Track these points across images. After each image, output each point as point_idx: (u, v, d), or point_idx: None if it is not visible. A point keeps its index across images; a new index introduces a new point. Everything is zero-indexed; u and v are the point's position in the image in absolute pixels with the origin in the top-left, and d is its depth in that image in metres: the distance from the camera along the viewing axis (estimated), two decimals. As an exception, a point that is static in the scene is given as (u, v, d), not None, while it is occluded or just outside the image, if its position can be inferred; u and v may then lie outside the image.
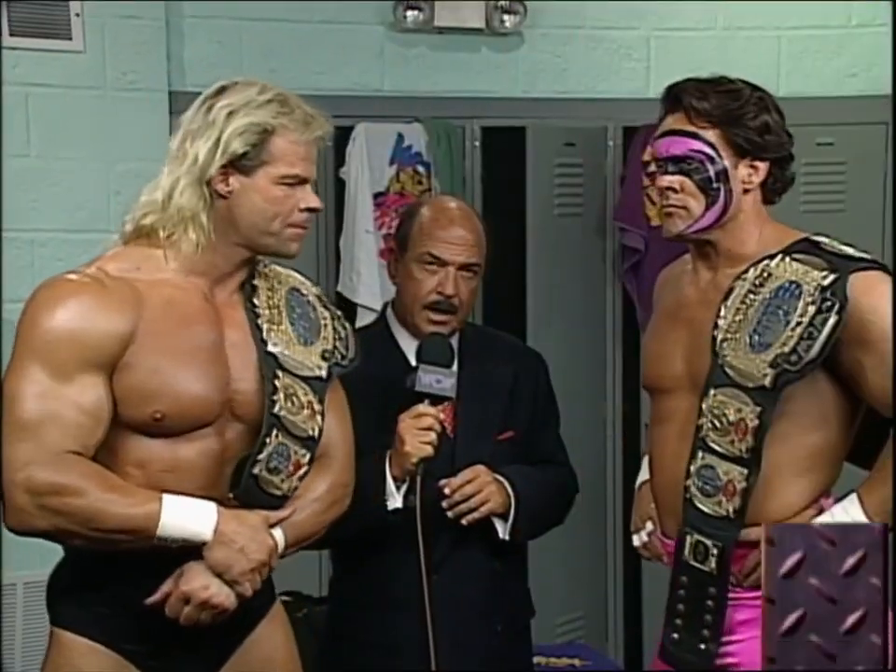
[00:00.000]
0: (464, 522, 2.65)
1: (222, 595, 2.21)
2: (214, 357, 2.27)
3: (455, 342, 2.74)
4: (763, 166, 2.34)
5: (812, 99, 4.68)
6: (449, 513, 2.64)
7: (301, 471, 2.32)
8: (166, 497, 2.18)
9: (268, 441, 2.27)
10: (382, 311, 2.88)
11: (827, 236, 2.33)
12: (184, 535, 2.17)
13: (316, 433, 2.33)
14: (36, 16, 4.07)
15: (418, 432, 2.55)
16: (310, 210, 2.29)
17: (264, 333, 2.31)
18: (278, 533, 2.27)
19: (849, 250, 2.28)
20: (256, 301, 2.34)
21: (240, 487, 2.27)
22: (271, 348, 2.31)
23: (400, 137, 4.49)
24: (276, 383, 2.29)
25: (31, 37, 4.06)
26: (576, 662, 3.99)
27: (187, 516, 2.18)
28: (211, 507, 2.20)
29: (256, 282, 2.36)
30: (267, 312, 2.34)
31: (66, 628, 2.28)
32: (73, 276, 2.22)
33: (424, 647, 2.56)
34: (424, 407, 2.57)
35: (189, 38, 4.34)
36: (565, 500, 2.88)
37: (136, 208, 2.29)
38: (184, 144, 2.27)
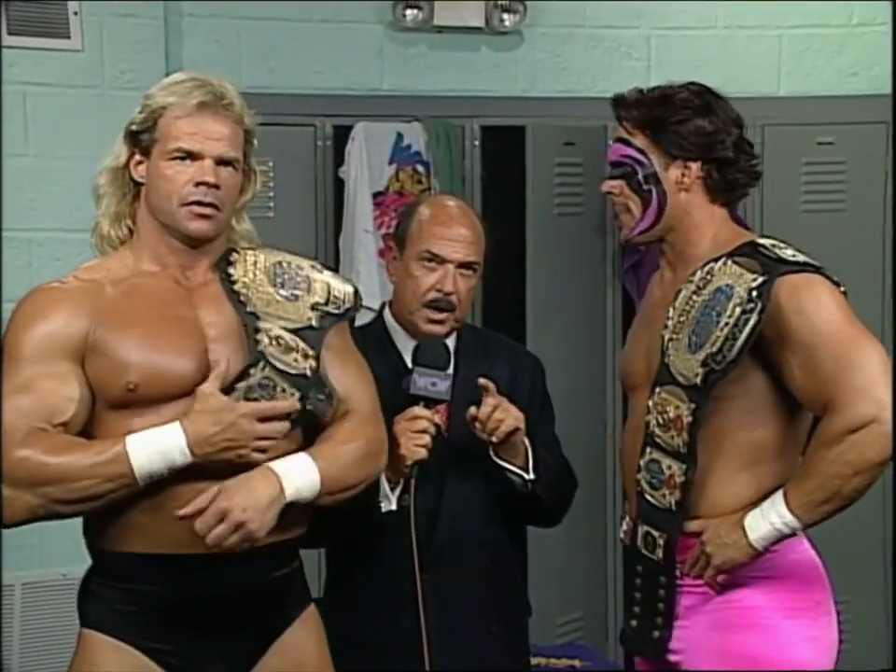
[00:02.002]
0: (494, 438, 2.61)
1: (256, 522, 2.17)
2: (185, 328, 2.28)
3: (452, 343, 2.73)
4: (695, 167, 2.45)
5: (813, 98, 4.69)
6: (483, 435, 2.61)
7: None
8: (129, 435, 2.18)
9: (252, 371, 2.25)
10: (379, 311, 2.86)
11: (773, 238, 2.42)
12: (159, 454, 2.16)
13: (309, 373, 2.29)
14: (35, 15, 4.06)
15: (413, 435, 2.54)
16: (201, 184, 2.27)
17: (241, 296, 2.31)
18: (308, 461, 2.24)
19: (787, 253, 2.36)
20: (231, 270, 2.35)
21: None
22: (250, 308, 2.30)
23: (400, 136, 4.48)
24: (259, 324, 2.27)
25: (29, 36, 4.06)
26: (576, 663, 3.98)
27: (153, 440, 2.17)
28: (174, 423, 2.19)
29: (234, 257, 2.37)
30: (245, 278, 2.34)
31: (93, 628, 2.29)
32: (44, 285, 2.31)
33: (418, 647, 2.56)
34: (419, 409, 2.57)
35: (188, 37, 4.34)
36: (571, 478, 2.85)
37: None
38: None
